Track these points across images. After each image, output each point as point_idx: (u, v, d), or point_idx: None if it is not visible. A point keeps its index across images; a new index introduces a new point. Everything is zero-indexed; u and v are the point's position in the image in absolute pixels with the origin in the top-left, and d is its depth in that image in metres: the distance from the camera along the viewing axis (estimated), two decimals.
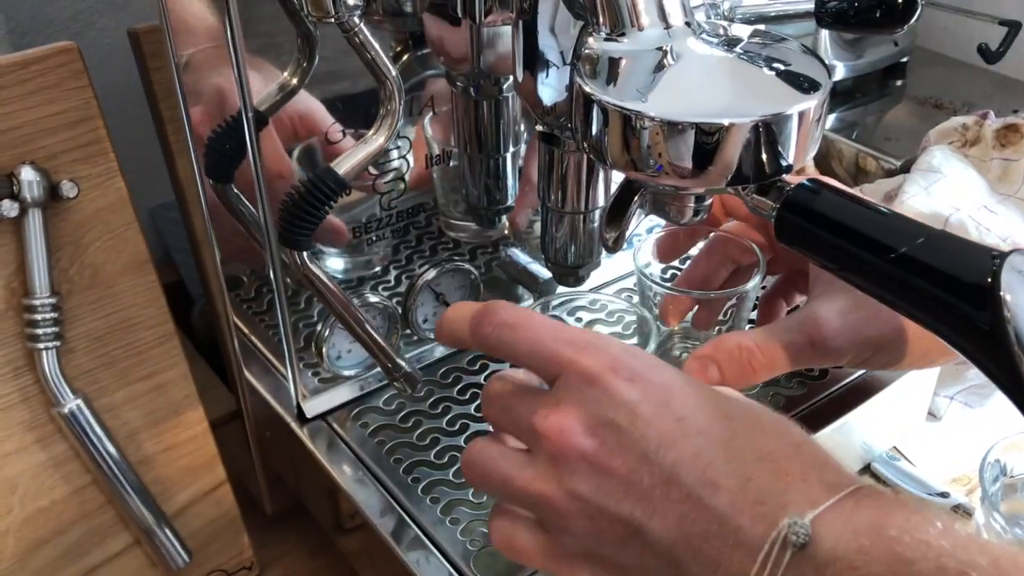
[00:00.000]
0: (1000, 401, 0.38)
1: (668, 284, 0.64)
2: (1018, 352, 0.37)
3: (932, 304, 0.40)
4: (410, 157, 0.62)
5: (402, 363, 0.55)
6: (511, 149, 0.65)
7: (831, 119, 1.04)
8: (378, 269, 0.67)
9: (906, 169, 0.88)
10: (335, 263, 0.65)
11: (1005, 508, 0.63)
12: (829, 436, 0.62)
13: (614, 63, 0.50)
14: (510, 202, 0.68)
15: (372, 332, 0.54)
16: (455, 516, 0.55)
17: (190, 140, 0.52)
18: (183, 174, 0.58)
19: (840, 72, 1.05)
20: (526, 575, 0.51)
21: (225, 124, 0.53)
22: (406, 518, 0.55)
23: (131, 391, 0.58)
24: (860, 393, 0.64)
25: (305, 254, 0.50)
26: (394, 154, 0.59)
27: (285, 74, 0.55)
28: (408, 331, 0.66)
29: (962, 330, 0.39)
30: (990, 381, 0.39)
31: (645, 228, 0.74)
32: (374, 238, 0.62)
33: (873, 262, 0.42)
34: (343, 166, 0.48)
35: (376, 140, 0.49)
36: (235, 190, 0.56)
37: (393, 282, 0.67)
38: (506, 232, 0.72)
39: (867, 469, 0.74)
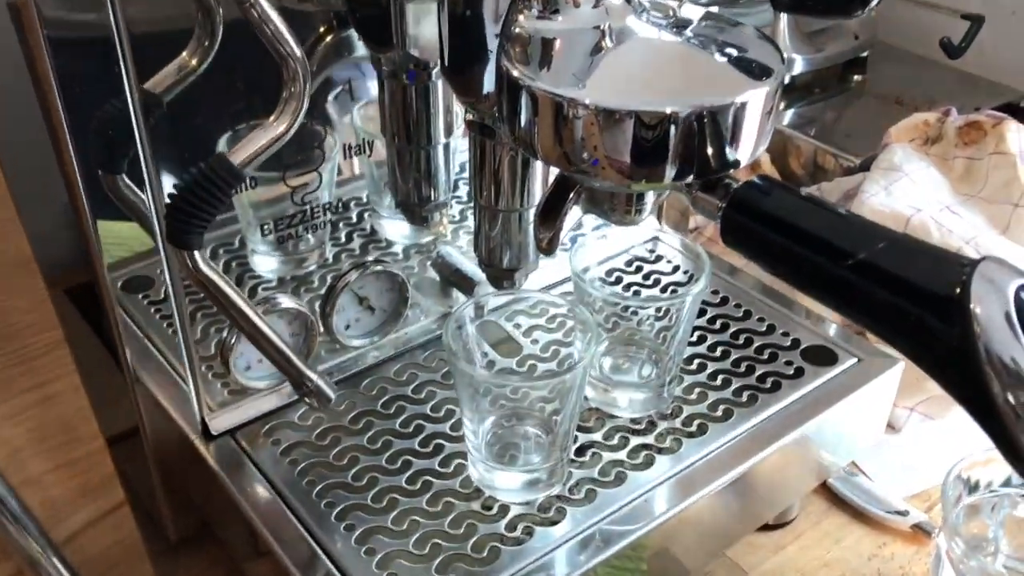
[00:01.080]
0: (962, 413, 0.34)
1: (608, 289, 0.59)
2: (988, 371, 0.33)
3: (893, 316, 0.36)
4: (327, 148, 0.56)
5: (312, 375, 0.50)
6: (443, 140, 0.60)
7: (789, 115, 1.00)
8: (313, 268, 0.61)
9: (866, 167, 0.84)
10: (265, 262, 0.60)
11: (967, 530, 0.59)
12: (782, 451, 0.57)
13: (547, 44, 0.46)
14: (443, 198, 0.63)
15: (276, 341, 0.48)
16: (371, 546, 0.50)
17: (65, 125, 0.46)
18: (66, 163, 0.52)
19: (799, 66, 1.01)
20: None
21: (112, 108, 0.47)
22: (316, 548, 0.50)
23: (13, 405, 0.52)
24: (815, 405, 0.59)
25: (197, 254, 0.45)
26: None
27: (184, 54, 0.49)
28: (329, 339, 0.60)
29: (927, 345, 0.35)
30: None
31: (591, 227, 0.70)
32: (286, 236, 0.56)
33: (829, 268, 0.38)
34: (239, 155, 0.43)
35: (277, 127, 0.44)
36: (126, 181, 0.50)
37: (317, 283, 0.62)
38: (441, 230, 0.67)
39: (823, 486, 0.70)
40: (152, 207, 0.48)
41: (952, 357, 0.34)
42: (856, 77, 1.07)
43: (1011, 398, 0.33)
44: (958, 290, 0.34)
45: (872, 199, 0.76)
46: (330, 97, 0.58)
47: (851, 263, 0.37)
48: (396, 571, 0.48)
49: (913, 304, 0.35)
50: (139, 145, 0.46)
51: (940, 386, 0.36)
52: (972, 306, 0.33)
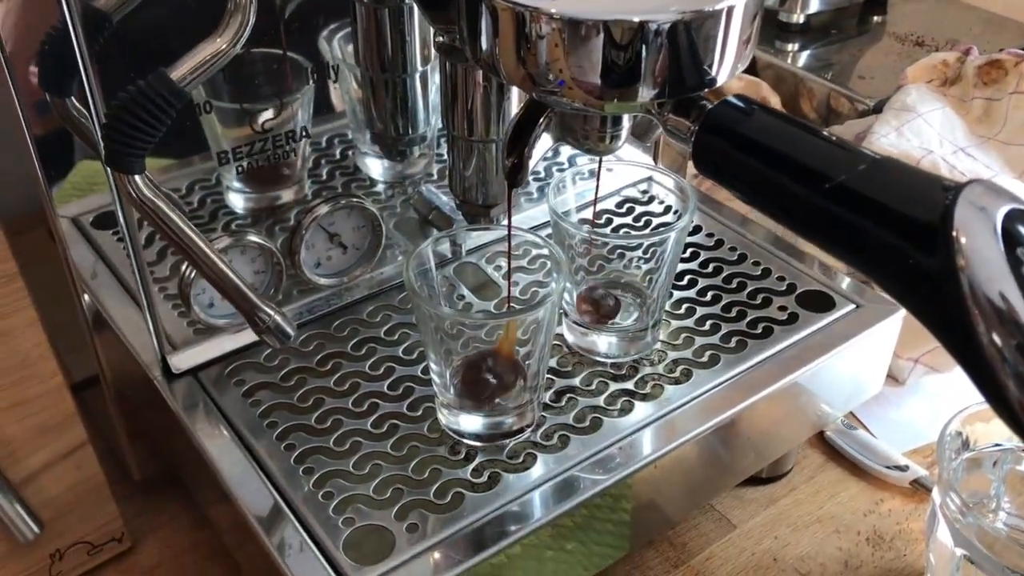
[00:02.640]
0: None
1: (587, 228, 0.56)
2: (972, 308, 0.30)
3: (871, 246, 0.32)
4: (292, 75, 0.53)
5: (268, 311, 0.47)
6: (419, 69, 0.57)
7: (804, 56, 0.96)
8: (291, 205, 0.59)
9: (879, 109, 0.80)
10: (239, 199, 0.57)
11: (967, 485, 0.56)
12: (770, 400, 0.54)
13: None
14: (421, 131, 0.60)
15: (227, 272, 0.46)
16: (329, 490, 0.48)
17: (3, 48, 0.43)
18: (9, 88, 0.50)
19: (815, 4, 0.96)
20: (398, 561, 0.44)
21: (55, 27, 0.45)
22: (272, 491, 0.48)
23: None
24: (807, 353, 0.56)
25: (139, 178, 0.42)
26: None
27: None
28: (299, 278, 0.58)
29: (906, 278, 0.32)
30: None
31: (574, 165, 0.67)
32: (245, 166, 0.53)
33: (804, 194, 0.34)
34: (178, 70, 0.40)
35: (220, 42, 0.41)
36: (76, 104, 0.48)
37: (293, 222, 0.59)
38: (420, 168, 0.64)
39: (821, 439, 0.67)
40: (97, 131, 0.45)
41: (933, 292, 0.31)
42: (876, 18, 1.02)
43: (997, 338, 0.30)
44: (940, 216, 0.30)
45: (882, 140, 0.72)
46: (304, 24, 0.55)
47: (828, 187, 0.34)
48: (353, 516, 0.46)
49: (891, 232, 0.32)
50: (81, 64, 0.44)
51: (921, 324, 0.32)
52: (955, 234, 0.30)
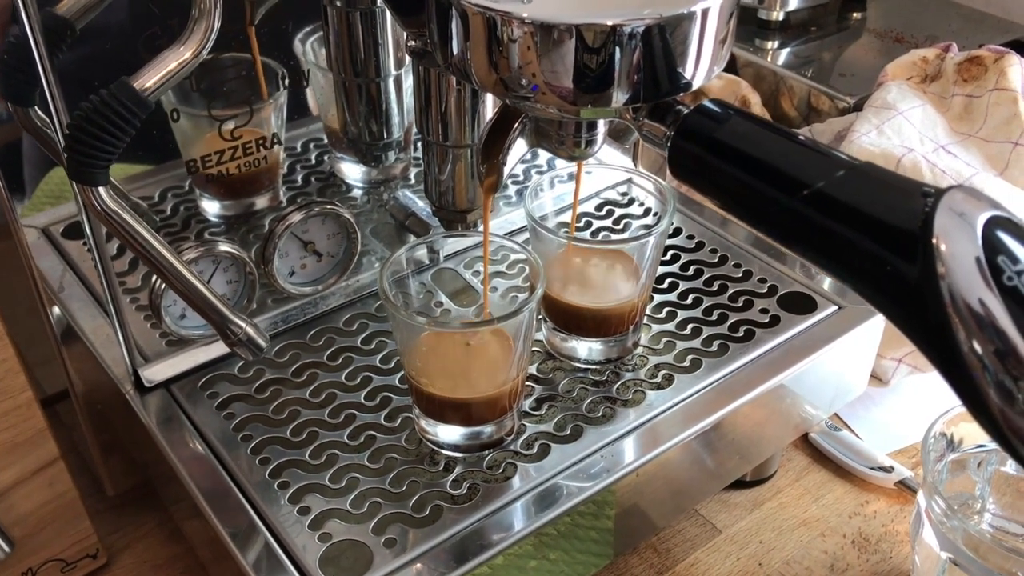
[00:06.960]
0: None
1: (565, 232, 0.55)
2: (953, 315, 0.29)
3: (850, 253, 0.32)
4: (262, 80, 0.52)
5: (240, 322, 0.46)
6: (393, 73, 0.56)
7: (783, 54, 0.95)
8: (264, 212, 0.58)
9: (860, 107, 0.80)
10: (212, 206, 0.56)
11: (952, 487, 0.56)
12: (753, 404, 0.54)
13: None
14: (396, 135, 0.59)
15: (196, 284, 0.45)
16: (305, 504, 0.47)
17: None
18: None
19: (794, 2, 0.96)
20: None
21: (16, 37, 0.43)
22: (246, 506, 0.47)
23: None
24: (790, 355, 0.56)
25: (102, 190, 0.41)
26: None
27: None
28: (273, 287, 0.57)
29: (885, 285, 0.31)
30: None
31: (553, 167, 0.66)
32: (216, 174, 0.52)
33: (782, 201, 0.34)
34: (142, 79, 0.39)
35: (183, 51, 0.40)
36: (39, 113, 0.47)
37: (266, 229, 0.58)
38: (397, 172, 0.63)
39: (805, 441, 0.67)
40: (59, 140, 0.44)
41: (912, 299, 0.30)
42: (855, 15, 1.02)
43: (977, 346, 0.29)
44: (920, 223, 0.30)
45: (863, 139, 0.72)
46: (274, 28, 0.54)
47: (806, 194, 0.33)
48: (329, 531, 0.45)
49: (870, 239, 0.31)
50: (42, 74, 0.42)
51: (901, 332, 0.32)
52: (935, 241, 0.29)
